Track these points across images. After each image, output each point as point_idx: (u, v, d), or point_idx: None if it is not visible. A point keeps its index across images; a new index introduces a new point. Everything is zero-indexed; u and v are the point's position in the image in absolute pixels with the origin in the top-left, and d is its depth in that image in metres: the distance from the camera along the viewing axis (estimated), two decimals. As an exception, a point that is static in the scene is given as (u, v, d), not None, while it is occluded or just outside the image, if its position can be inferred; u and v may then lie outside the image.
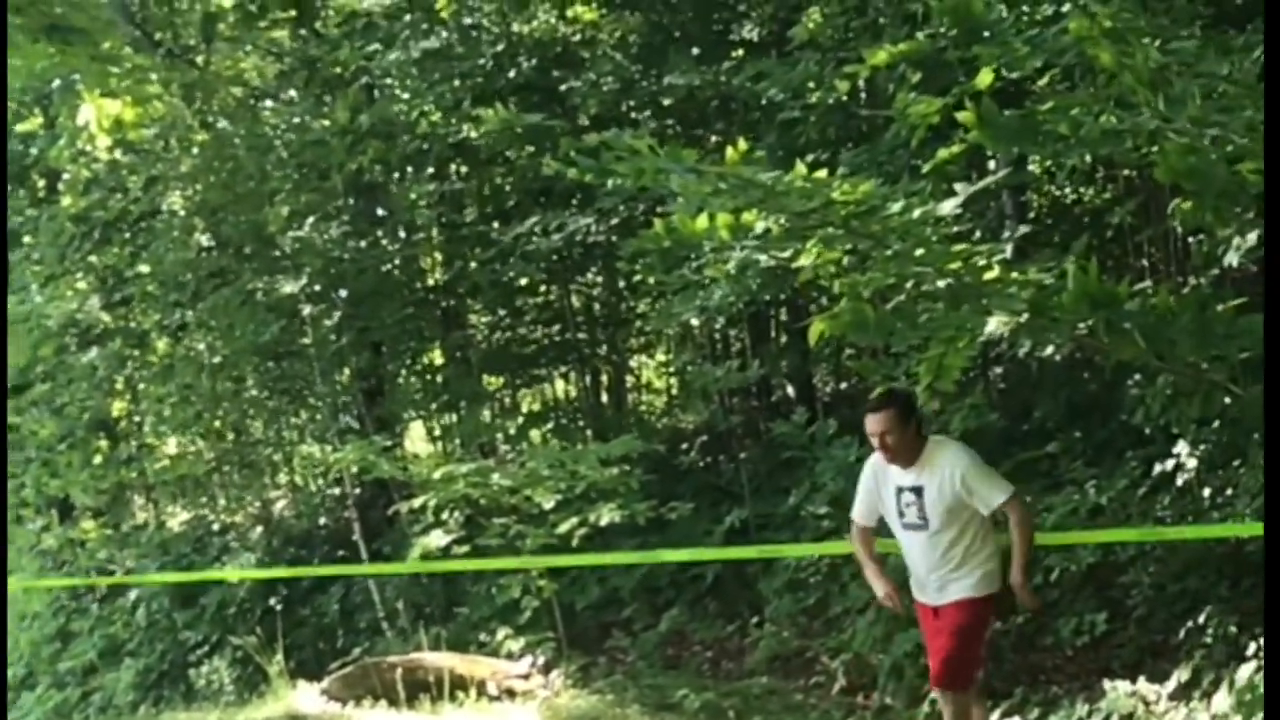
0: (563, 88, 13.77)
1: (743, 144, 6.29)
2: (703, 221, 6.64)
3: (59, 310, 18.04)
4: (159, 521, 20.78)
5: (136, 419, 20.42)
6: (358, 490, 15.96)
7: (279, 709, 11.56)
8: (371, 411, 16.01)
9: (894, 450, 7.12)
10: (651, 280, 11.87)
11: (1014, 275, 6.80)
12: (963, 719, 7.37)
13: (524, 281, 15.69)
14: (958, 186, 7.50)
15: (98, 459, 19.45)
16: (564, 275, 15.69)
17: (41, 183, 20.28)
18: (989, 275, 6.77)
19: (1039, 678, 9.34)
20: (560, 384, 17.52)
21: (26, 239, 19.59)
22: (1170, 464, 9.27)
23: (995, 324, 7.24)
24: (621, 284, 15.61)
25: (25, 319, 18.14)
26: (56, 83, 17.52)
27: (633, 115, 13.74)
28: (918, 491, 7.14)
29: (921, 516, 7.15)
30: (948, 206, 6.98)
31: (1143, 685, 8.32)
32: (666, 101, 13.75)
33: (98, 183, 17.75)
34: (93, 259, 18.46)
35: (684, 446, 15.18)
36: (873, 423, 7.15)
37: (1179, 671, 8.28)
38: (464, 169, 15.93)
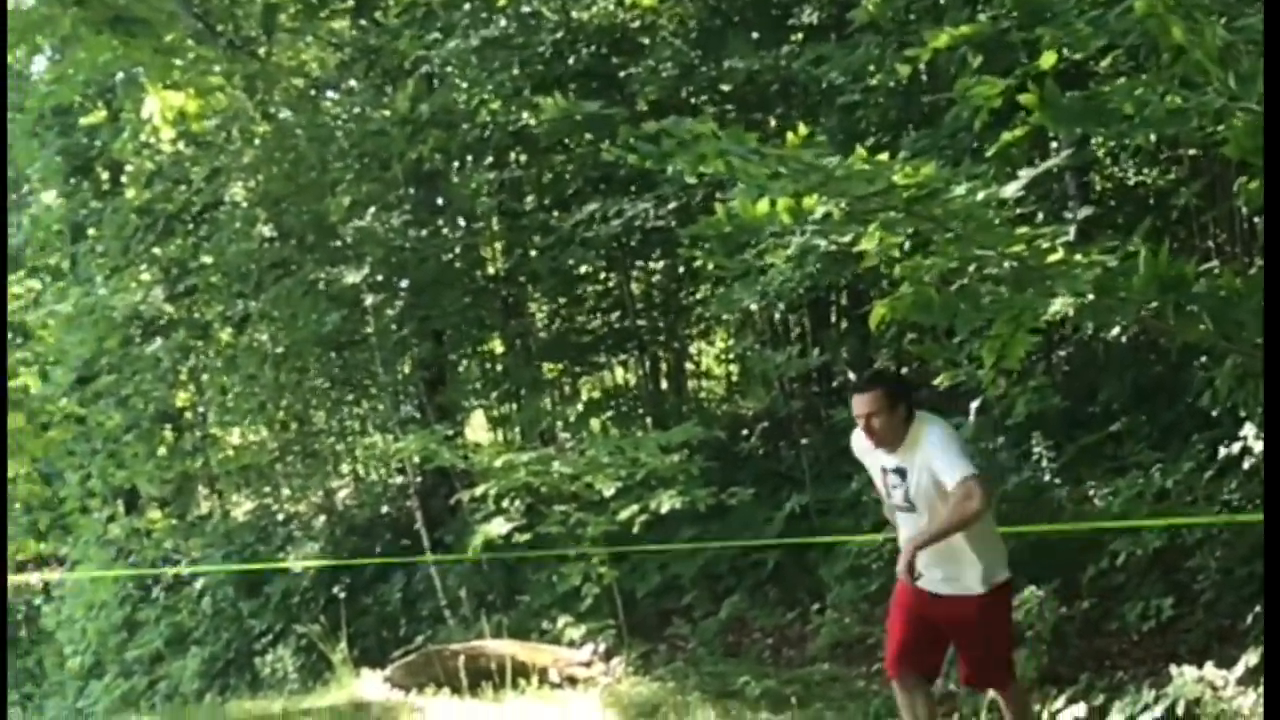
0: (622, 74, 13.75)
1: (803, 128, 6.24)
2: (763, 206, 6.55)
3: (124, 302, 18.19)
4: (223, 511, 20.95)
5: (201, 409, 20.59)
6: (419, 479, 16.03)
7: (343, 696, 11.61)
8: (433, 400, 16.06)
9: (879, 434, 6.72)
10: (711, 266, 11.82)
11: (1078, 257, 6.72)
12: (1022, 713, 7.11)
13: (583, 269, 15.71)
14: (1021, 170, 7.44)
15: (163, 449, 19.65)
16: (623, 262, 15.67)
17: (105, 175, 20.47)
18: (1053, 257, 6.67)
19: (1104, 663, 9.25)
20: (620, 371, 17.50)
21: (91, 231, 19.81)
22: (1237, 447, 9.12)
23: (1059, 306, 7.18)
24: (681, 270, 15.57)
25: (90, 311, 18.30)
26: (120, 76, 17.69)
27: (692, 101, 13.73)
28: (901, 473, 6.74)
29: (907, 499, 6.74)
30: (1011, 189, 6.93)
31: (1210, 671, 8.20)
32: (726, 86, 13.72)
33: (161, 175, 17.90)
34: (156, 251, 18.61)
35: (744, 433, 15.12)
36: (859, 404, 6.77)
37: (1247, 656, 8.15)
38: (523, 157, 15.95)
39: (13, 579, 25.12)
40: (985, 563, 6.68)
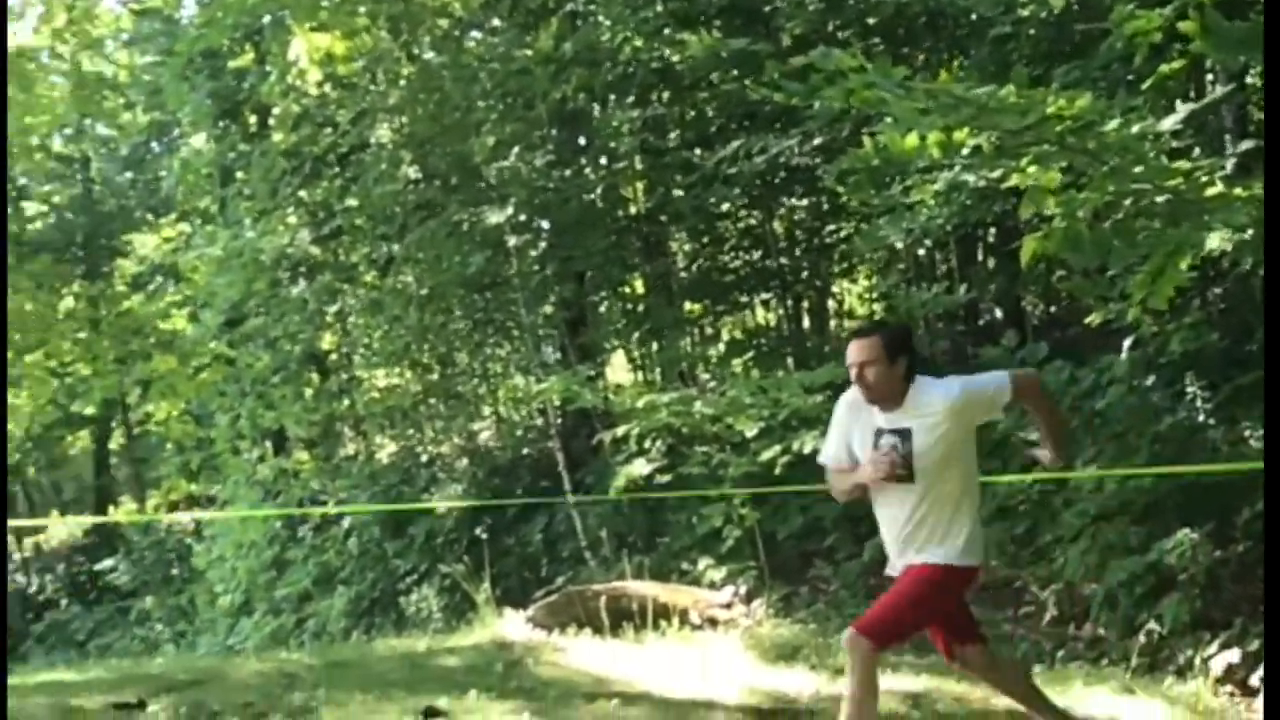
0: (766, 9, 13.56)
1: (953, 62, 6.11)
2: (913, 140, 6.45)
3: (271, 244, 18.42)
4: (368, 453, 21.17)
5: (346, 352, 20.81)
6: (560, 420, 16.04)
7: (486, 636, 11.61)
8: (574, 341, 16.07)
9: (873, 388, 5.99)
10: (856, 202, 11.65)
11: (1237, 191, 6.50)
12: (865, 685, 5.91)
13: (725, 207, 15.55)
14: (1178, 103, 7.23)
15: (309, 391, 19.89)
16: (766, 200, 15.51)
17: (253, 119, 20.65)
18: (1210, 191, 6.47)
19: (1259, 608, 9.01)
20: (761, 311, 17.35)
21: (239, 174, 20.04)
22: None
23: (1216, 241, 6.97)
24: (824, 208, 15.39)
25: (239, 254, 18.55)
26: (267, 18, 17.83)
27: (838, 35, 13.50)
28: (903, 435, 5.99)
29: (905, 467, 5.98)
30: (1169, 122, 6.74)
31: (1373, 617, 7.94)
32: (872, 20, 13.48)
33: (307, 117, 18.02)
34: (303, 194, 18.80)
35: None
36: (854, 351, 6.04)
37: None
38: (666, 94, 15.80)
39: (166, 518, 25.71)
40: (964, 541, 6.04)
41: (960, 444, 6.05)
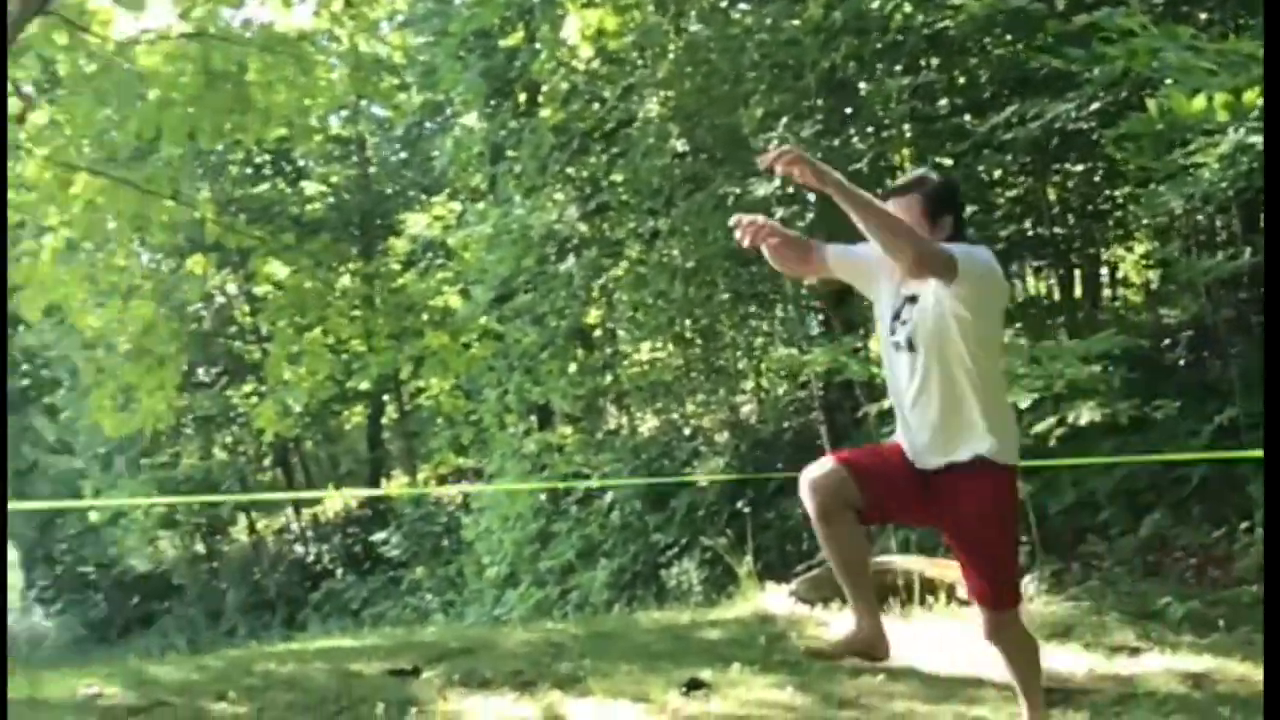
0: (1044, -32, 13.16)
1: (1238, 20, 5.87)
2: (1200, 102, 6.23)
3: (540, 221, 18.62)
4: (631, 426, 21.29)
5: (610, 326, 20.93)
6: (824, 393, 15.86)
7: (748, 609, 11.55)
8: (839, 312, 15.86)
9: None
10: (1135, 167, 11.22)
11: None
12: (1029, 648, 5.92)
13: (997, 174, 15.17)
14: None
15: (574, 366, 20.08)
16: (1039, 166, 15.07)
17: (523, 96, 20.92)
18: None
19: None
20: (1032, 280, 16.91)
21: (510, 152, 20.31)
22: None
23: None
24: (1100, 174, 14.89)
25: (509, 230, 18.81)
26: (538, -3, 18.06)
27: (1117, -5, 13.05)
28: (912, 300, 5.36)
29: (909, 337, 5.39)
30: None
31: None
32: (1154, -21, 12.99)
33: (576, 93, 18.15)
34: (570, 169, 18.94)
35: (1166, 342, 14.44)
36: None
37: None
38: (936, 60, 15.44)
39: (436, 491, 26.31)
40: (1001, 433, 5.44)
41: (970, 320, 5.26)
